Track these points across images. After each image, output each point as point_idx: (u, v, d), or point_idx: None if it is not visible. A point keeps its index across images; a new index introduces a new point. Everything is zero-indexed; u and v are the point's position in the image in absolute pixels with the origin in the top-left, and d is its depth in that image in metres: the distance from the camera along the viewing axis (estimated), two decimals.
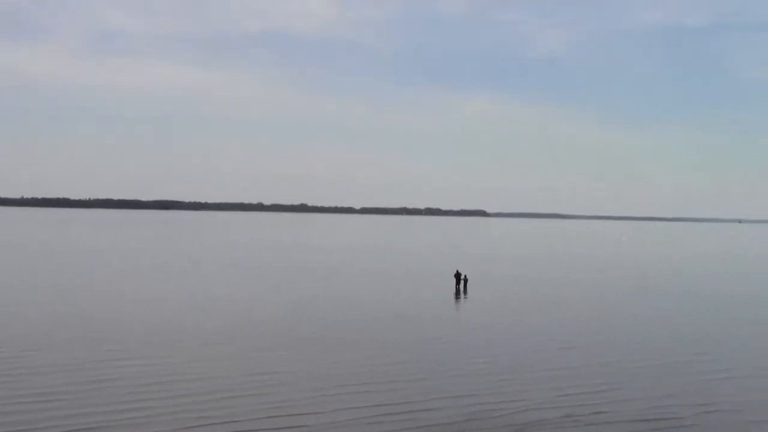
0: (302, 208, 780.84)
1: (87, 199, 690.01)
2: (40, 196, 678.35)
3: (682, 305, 60.78)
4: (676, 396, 29.86)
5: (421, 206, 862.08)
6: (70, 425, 24.10)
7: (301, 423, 24.96)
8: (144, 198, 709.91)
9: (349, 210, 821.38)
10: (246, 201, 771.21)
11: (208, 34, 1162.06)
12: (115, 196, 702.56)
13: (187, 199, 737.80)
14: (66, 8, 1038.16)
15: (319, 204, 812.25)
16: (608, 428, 25.25)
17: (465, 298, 63.15)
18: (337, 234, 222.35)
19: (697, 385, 31.86)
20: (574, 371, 33.84)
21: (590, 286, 75.05)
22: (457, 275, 69.52)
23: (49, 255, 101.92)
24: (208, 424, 24.64)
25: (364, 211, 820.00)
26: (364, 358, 35.49)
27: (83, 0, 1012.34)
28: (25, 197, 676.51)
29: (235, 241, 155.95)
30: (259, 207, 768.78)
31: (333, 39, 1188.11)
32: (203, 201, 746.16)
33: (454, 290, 66.91)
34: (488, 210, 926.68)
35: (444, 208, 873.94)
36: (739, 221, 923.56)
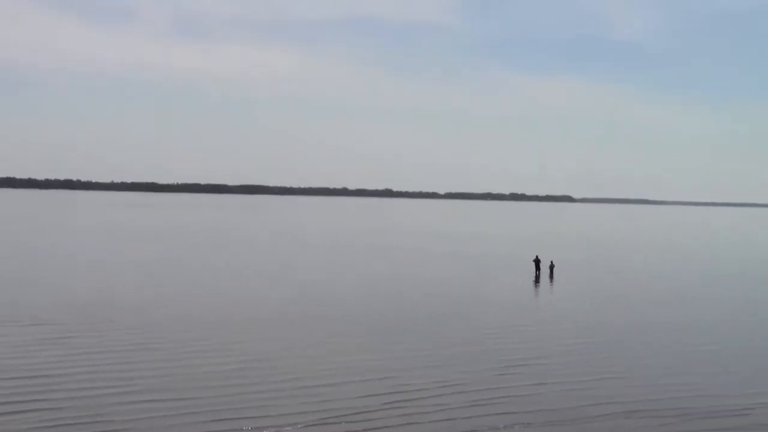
0: (387, 193, 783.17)
1: (174, 183, 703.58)
2: (129, 180, 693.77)
3: None
4: None
5: (506, 191, 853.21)
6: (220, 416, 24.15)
7: (443, 418, 24.36)
8: (230, 183, 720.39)
9: (434, 195, 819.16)
10: (331, 186, 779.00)
11: (291, 19, 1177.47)
12: (202, 181, 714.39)
13: (272, 184, 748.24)
14: None
15: (403, 189, 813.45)
16: None
17: (551, 285, 61.46)
18: (425, 219, 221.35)
19: None
20: (714, 375, 32.14)
21: (694, 277, 71.93)
22: (537, 261, 67.96)
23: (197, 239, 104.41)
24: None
25: (449, 196, 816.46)
26: (483, 359, 34.62)
27: None
28: (114, 182, 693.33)
29: (327, 226, 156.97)
30: (344, 192, 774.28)
31: (416, 21, 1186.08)
32: (289, 186, 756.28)
33: (533, 276, 65.63)
34: (574, 195, 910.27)
35: (529, 193, 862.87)
36: None
